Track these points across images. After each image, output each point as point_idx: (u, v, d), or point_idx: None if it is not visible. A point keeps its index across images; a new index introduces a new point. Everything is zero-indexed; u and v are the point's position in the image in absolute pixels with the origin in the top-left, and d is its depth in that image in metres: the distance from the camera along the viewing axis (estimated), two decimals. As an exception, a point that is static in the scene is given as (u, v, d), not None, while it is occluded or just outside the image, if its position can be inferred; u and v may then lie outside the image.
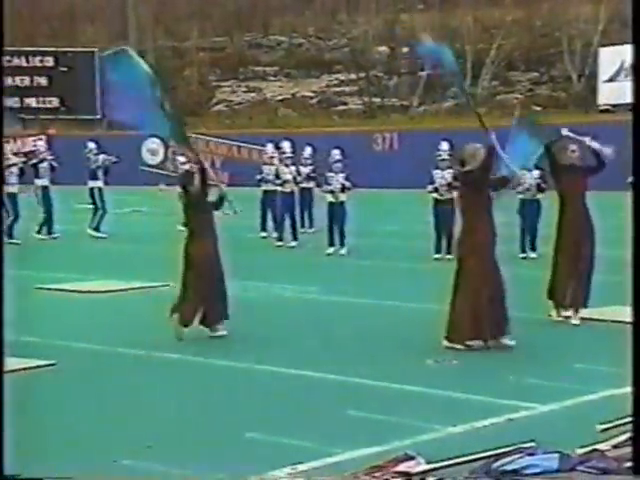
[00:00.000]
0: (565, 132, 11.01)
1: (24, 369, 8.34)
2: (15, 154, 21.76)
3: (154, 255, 16.95)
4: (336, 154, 17.95)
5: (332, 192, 17.42)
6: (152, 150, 40.46)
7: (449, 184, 16.12)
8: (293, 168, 19.34)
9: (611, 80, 38.08)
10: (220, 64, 50.91)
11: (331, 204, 17.48)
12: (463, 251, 9.51)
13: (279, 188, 19.14)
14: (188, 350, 9.44)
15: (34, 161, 21.27)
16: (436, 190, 16.44)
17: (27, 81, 44.11)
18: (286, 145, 19.84)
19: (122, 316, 11.52)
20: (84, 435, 6.76)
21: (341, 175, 17.47)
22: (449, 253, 16.03)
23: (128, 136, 36.12)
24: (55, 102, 44.66)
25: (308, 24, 51.61)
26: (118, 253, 18.21)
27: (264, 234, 20.16)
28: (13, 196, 19.83)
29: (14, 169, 20.10)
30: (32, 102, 44.21)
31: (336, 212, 17.37)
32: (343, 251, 17.26)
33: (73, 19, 51.17)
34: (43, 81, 44.58)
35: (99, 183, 21.13)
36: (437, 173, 16.47)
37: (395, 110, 45.62)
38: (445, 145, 16.56)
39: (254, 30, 52.18)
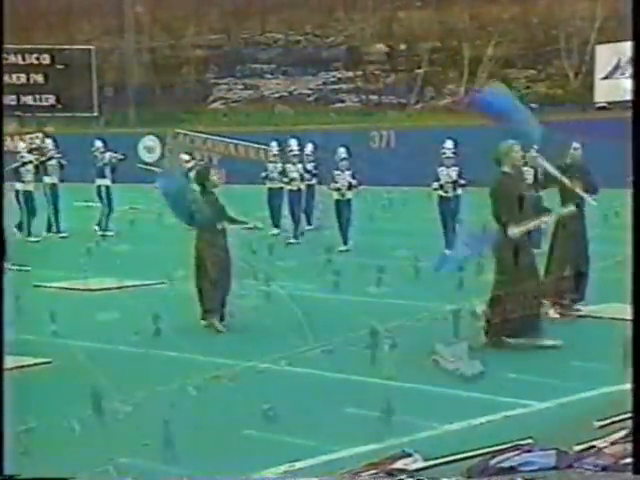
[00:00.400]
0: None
1: (21, 367, 8.34)
2: (29, 151, 21.72)
3: (151, 253, 16.94)
4: (342, 152, 18.18)
5: (339, 189, 17.56)
6: (149, 147, 40.39)
7: (454, 181, 16.50)
8: (300, 166, 19.47)
9: (608, 77, 38.02)
10: (217, 61, 50.85)
11: (338, 202, 17.63)
12: (500, 248, 9.52)
13: (286, 186, 19.24)
14: (186, 348, 9.43)
15: (43, 159, 21.27)
16: (441, 187, 16.65)
17: (23, 79, 44.01)
18: (293, 143, 20.00)
19: (119, 314, 11.50)
20: (82, 433, 6.75)
21: (347, 173, 17.64)
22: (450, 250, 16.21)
23: (125, 134, 36.17)
24: (51, 100, 44.54)
25: (305, 22, 51.53)
26: (116, 251, 18.16)
27: (276, 231, 20.12)
28: (29, 193, 19.83)
29: (30, 166, 20.09)
30: (28, 100, 44.11)
31: (343, 209, 17.50)
32: (343, 248, 17.30)
33: (69, 16, 51.07)
34: (39, 79, 44.45)
35: (106, 181, 21.14)
36: (442, 170, 16.68)
37: (392, 107, 45.55)
38: (450, 143, 16.80)
39: (251, 28, 52.10)
